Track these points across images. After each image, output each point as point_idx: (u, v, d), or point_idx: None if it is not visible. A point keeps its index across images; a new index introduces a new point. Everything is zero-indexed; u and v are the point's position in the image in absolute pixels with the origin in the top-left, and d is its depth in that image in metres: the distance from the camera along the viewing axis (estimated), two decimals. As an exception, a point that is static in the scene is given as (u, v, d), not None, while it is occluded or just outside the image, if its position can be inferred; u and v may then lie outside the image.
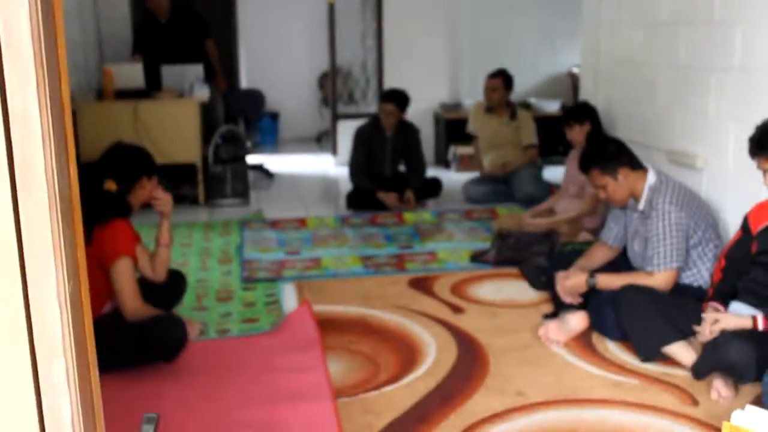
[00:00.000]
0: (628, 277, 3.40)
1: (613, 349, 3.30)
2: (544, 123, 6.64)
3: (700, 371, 2.91)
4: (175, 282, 3.62)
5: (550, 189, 5.87)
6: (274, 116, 9.44)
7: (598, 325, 3.41)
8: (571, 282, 3.52)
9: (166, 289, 3.51)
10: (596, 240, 3.99)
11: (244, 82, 9.12)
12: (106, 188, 3.16)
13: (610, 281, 3.42)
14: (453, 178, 6.92)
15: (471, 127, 6.47)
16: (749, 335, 2.78)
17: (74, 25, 6.25)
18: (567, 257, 3.95)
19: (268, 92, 8.80)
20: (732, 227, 3.54)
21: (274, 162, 7.94)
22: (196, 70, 6.42)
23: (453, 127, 7.46)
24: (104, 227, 3.05)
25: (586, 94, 5.47)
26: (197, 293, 4.08)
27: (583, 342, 3.37)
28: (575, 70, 7.81)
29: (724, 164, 3.85)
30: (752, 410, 2.18)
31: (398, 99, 5.94)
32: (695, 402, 2.82)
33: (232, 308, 3.89)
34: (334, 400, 2.82)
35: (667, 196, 3.38)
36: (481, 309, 3.82)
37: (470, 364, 3.19)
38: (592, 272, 3.54)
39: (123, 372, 2.97)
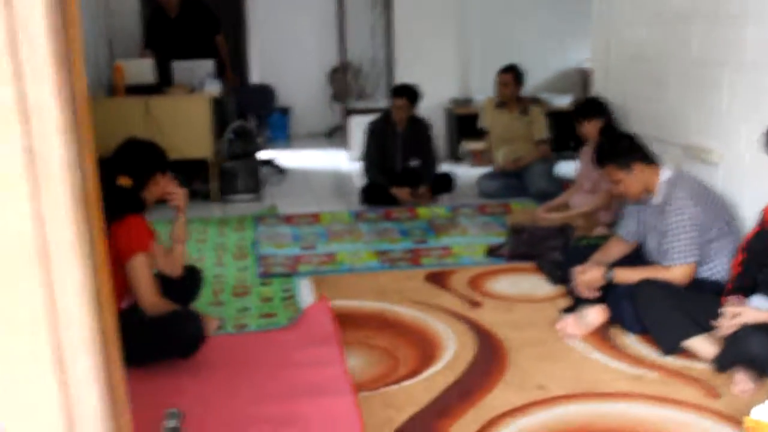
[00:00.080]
0: (645, 272, 3.39)
1: (631, 342, 3.30)
2: (556, 118, 6.62)
3: (722, 364, 2.90)
4: (192, 277, 3.62)
5: (563, 184, 5.85)
6: (285, 111, 9.43)
7: (617, 318, 3.41)
8: (587, 276, 3.51)
9: (183, 285, 3.51)
10: (612, 234, 3.98)
11: (255, 78, 9.12)
12: (120, 184, 3.16)
13: (628, 275, 3.41)
14: (466, 173, 6.91)
15: (482, 123, 6.46)
16: (770, 329, 2.77)
17: (84, 21, 6.25)
18: (582, 252, 3.93)
19: (278, 88, 8.79)
20: (749, 222, 3.53)
21: (286, 157, 7.94)
22: (207, 65, 6.42)
23: (464, 123, 7.45)
24: (119, 223, 3.06)
25: (599, 90, 5.45)
26: (214, 288, 4.08)
27: (601, 336, 3.36)
28: (585, 65, 7.80)
29: (739, 159, 3.83)
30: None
31: (409, 93, 5.93)
32: (717, 395, 2.81)
33: (250, 303, 3.89)
34: (355, 395, 2.82)
35: (684, 191, 3.37)
36: (498, 303, 3.82)
37: (489, 358, 3.19)
38: (609, 266, 3.53)
39: (141, 367, 2.98)
